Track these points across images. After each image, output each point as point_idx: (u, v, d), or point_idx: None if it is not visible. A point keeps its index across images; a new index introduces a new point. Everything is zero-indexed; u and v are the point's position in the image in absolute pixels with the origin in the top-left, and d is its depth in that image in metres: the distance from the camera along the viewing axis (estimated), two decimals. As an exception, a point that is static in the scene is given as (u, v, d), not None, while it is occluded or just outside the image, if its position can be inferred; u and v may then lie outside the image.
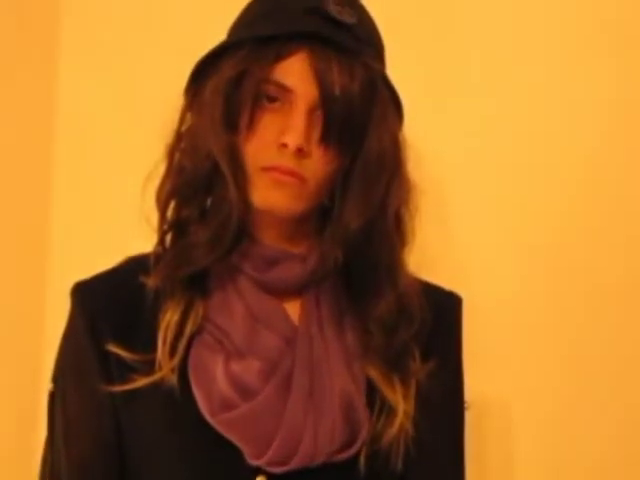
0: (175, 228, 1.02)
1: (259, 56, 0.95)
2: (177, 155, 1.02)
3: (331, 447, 0.96)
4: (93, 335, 1.00)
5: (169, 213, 1.01)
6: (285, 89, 0.96)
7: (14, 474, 1.45)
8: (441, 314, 1.07)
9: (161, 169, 1.02)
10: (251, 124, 0.96)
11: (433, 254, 1.28)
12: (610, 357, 1.38)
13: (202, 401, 0.96)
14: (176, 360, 0.98)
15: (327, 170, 0.98)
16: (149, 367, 0.98)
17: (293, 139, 0.94)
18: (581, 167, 1.39)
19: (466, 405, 1.10)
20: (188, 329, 0.99)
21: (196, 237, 0.99)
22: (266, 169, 0.96)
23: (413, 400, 1.01)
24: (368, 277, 1.01)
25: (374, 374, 1.01)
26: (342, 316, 1.03)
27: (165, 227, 1.02)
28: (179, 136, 1.02)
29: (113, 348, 0.98)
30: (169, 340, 0.98)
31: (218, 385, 0.97)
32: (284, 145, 0.94)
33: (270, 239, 1.03)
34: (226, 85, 0.96)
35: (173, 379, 0.97)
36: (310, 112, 0.95)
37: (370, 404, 1.00)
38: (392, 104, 1.01)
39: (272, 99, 0.97)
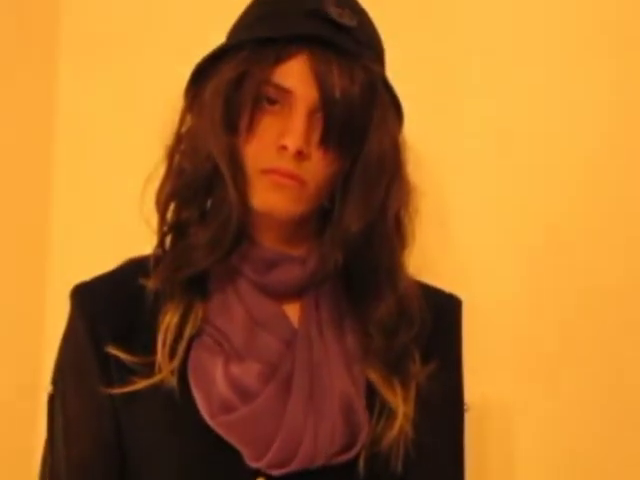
0: (175, 230, 1.02)
1: (259, 58, 0.95)
2: (177, 157, 1.02)
3: (331, 449, 0.96)
4: (93, 337, 1.00)
5: (169, 215, 1.01)
6: (285, 91, 0.96)
7: (14, 475, 1.45)
8: (441, 316, 1.07)
9: (161, 171, 1.02)
10: (251, 126, 0.96)
11: (433, 256, 1.28)
12: (610, 358, 1.38)
13: (202, 403, 0.96)
14: (176, 362, 0.98)
15: (327, 172, 0.98)
16: (149, 369, 0.98)
17: (293, 141, 0.94)
18: (581, 169, 1.39)
19: (466, 407, 1.10)
20: (188, 331, 0.99)
21: (196, 239, 0.99)
22: (266, 171, 0.96)
23: (413, 402, 1.01)
24: (368, 280, 1.01)
25: (374, 377, 1.01)
26: (342, 319, 1.03)
27: (165, 229, 1.02)
28: (179, 138, 1.02)
29: (113, 350, 0.98)
30: (169, 342, 0.98)
31: (218, 387, 0.96)
32: (284, 147, 0.94)
33: (270, 241, 1.03)
34: (226, 87, 0.96)
35: (173, 381, 0.97)
36: (310, 114, 0.95)
37: (370, 406, 1.00)
38: (392, 107, 1.01)
39: (272, 101, 0.96)
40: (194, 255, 0.98)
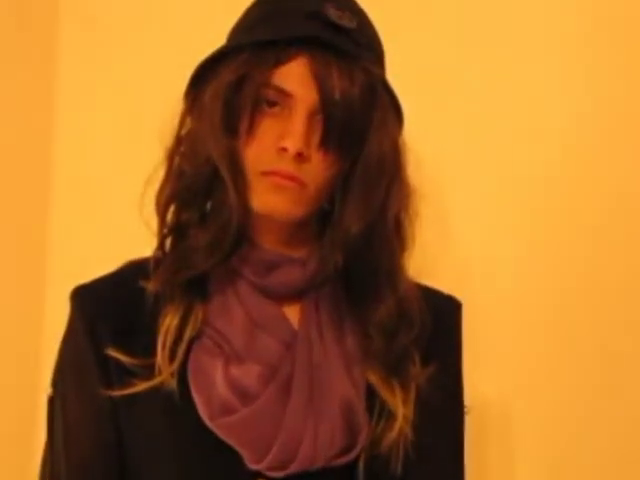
0: (175, 232, 1.02)
1: (259, 61, 0.95)
2: (177, 159, 1.01)
3: (331, 451, 0.96)
4: (93, 339, 1.00)
5: (169, 217, 1.01)
6: (285, 94, 0.96)
7: (14, 475, 1.45)
8: (441, 318, 1.07)
9: (161, 173, 1.02)
10: (251, 128, 0.96)
11: (433, 258, 1.28)
12: (611, 358, 1.38)
13: (201, 405, 0.96)
14: (176, 364, 0.98)
15: (327, 174, 0.98)
16: (149, 371, 0.97)
17: (293, 143, 0.94)
18: (581, 172, 1.39)
19: (466, 409, 1.10)
20: (187, 333, 0.99)
21: (196, 241, 0.99)
22: (266, 173, 0.96)
23: (413, 404, 1.01)
24: (368, 281, 1.01)
25: (374, 379, 1.01)
26: (342, 320, 1.03)
27: (165, 231, 1.02)
28: (179, 140, 1.02)
29: (113, 352, 0.98)
30: (168, 344, 0.98)
31: (218, 389, 0.96)
32: (284, 149, 0.94)
33: (270, 243, 1.03)
34: (226, 89, 0.96)
35: (173, 383, 0.97)
36: (310, 117, 0.95)
37: (370, 408, 1.00)
38: (392, 109, 1.01)
39: (272, 104, 0.96)
40: (194, 257, 0.98)
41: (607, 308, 1.38)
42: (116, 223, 1.36)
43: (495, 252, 1.40)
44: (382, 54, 1.04)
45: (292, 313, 1.03)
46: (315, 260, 1.02)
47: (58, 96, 1.55)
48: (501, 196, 1.41)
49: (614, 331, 1.38)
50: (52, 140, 1.55)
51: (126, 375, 0.98)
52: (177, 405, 0.97)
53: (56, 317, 1.07)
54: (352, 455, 0.97)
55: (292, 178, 0.96)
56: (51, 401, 1.04)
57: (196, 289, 1.00)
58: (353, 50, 0.96)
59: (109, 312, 1.01)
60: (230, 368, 0.98)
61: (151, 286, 1.00)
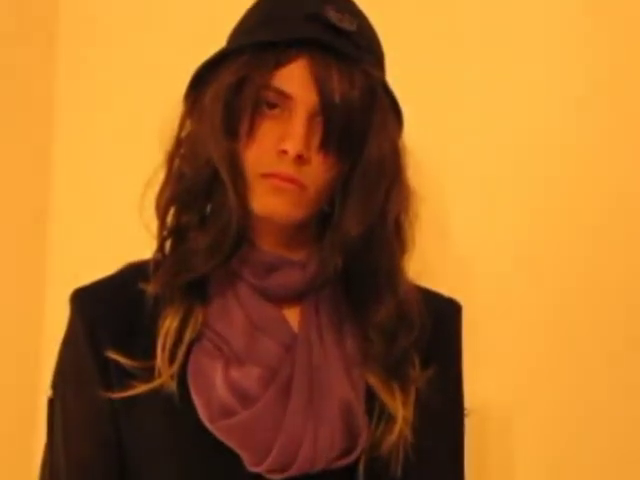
0: (175, 235, 1.02)
1: (259, 63, 0.95)
2: (177, 161, 1.01)
3: (330, 454, 0.96)
4: (92, 341, 1.00)
5: (169, 219, 1.01)
6: (285, 96, 0.95)
7: (14, 476, 1.45)
8: (441, 321, 1.07)
9: (161, 175, 1.02)
10: (251, 131, 0.96)
11: (433, 261, 1.28)
12: (611, 358, 1.38)
13: (201, 408, 0.96)
14: (175, 367, 0.98)
15: (327, 177, 0.98)
16: (148, 374, 0.97)
17: (293, 146, 0.94)
18: (581, 172, 1.39)
19: (466, 412, 1.10)
20: (187, 336, 0.99)
21: (195, 243, 0.99)
22: (266, 176, 0.96)
23: (412, 407, 1.01)
24: (368, 284, 1.01)
25: (373, 381, 1.01)
26: (342, 323, 1.03)
27: (165, 233, 1.02)
28: (179, 142, 1.02)
29: (112, 355, 0.98)
30: (168, 347, 0.98)
31: (217, 392, 0.96)
32: (284, 152, 0.94)
33: (270, 245, 1.03)
34: (226, 92, 0.96)
35: (172, 386, 0.97)
36: (310, 119, 0.95)
37: (369, 411, 1.00)
38: (392, 111, 1.01)
39: (272, 106, 0.96)
40: (194, 260, 0.98)
41: (607, 308, 1.38)
42: (116, 225, 1.37)
43: (495, 253, 1.40)
44: (382, 56, 1.03)
45: (292, 315, 1.03)
46: (315, 262, 1.02)
47: (58, 96, 1.55)
48: (501, 197, 1.41)
49: (614, 331, 1.38)
50: (52, 141, 1.54)
51: (126, 377, 0.98)
52: (177, 407, 0.97)
53: (56, 319, 1.07)
54: (352, 457, 0.97)
55: (292, 180, 0.96)
56: (51, 403, 1.04)
57: (196, 291, 1.00)
58: (353, 52, 0.96)
59: (109, 314, 1.01)
60: (230, 370, 0.98)
61: (151, 288, 1.00)
